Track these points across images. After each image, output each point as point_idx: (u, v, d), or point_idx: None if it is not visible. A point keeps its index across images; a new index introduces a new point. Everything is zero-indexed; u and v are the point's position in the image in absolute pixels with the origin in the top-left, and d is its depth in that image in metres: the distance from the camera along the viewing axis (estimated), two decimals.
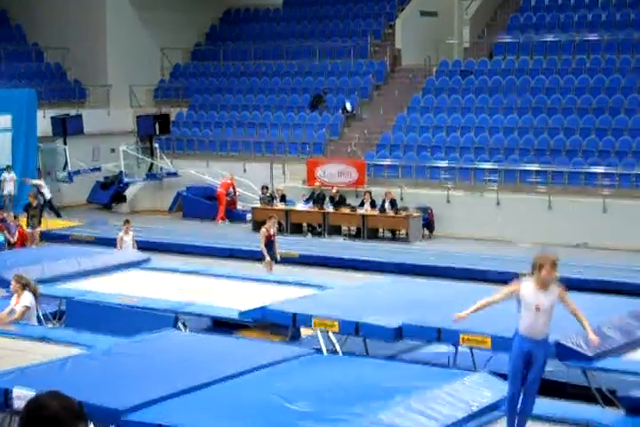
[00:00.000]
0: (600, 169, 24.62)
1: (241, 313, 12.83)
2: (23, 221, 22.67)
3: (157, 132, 31.47)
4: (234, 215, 28.34)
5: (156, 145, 31.49)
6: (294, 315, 12.35)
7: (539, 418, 8.88)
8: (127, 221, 20.15)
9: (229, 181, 28.46)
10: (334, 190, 26.19)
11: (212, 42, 36.39)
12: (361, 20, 34.41)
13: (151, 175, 30.91)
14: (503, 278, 19.41)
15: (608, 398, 10.84)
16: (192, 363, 10.12)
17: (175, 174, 30.59)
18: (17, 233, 21.45)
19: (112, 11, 33.51)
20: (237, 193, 28.78)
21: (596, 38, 28.88)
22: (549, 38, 29.62)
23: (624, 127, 25.63)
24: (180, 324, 13.25)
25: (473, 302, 12.65)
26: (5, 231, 21.44)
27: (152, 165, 31.19)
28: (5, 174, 27.86)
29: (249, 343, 11.73)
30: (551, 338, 10.72)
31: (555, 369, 11.73)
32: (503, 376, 10.18)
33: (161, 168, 31.14)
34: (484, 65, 30.09)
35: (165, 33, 34.41)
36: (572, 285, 18.54)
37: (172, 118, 33.08)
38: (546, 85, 28.08)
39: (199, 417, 8.54)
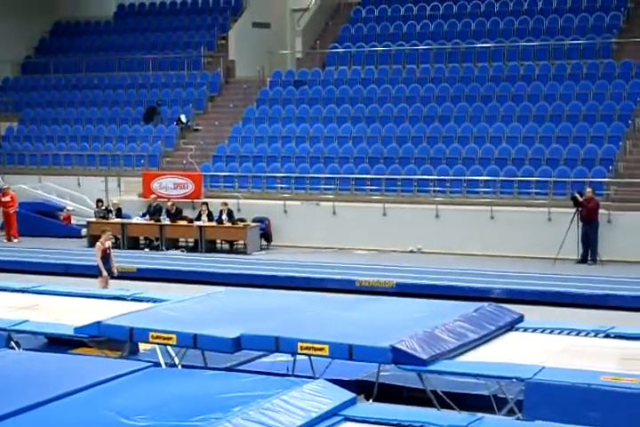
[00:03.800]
0: (432, 176, 25.16)
1: (76, 329, 12.59)
2: None
3: None
4: (68, 231, 27.82)
5: None
6: (131, 329, 12.18)
7: (376, 423, 8.97)
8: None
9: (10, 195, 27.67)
10: (170, 203, 26.00)
11: (43, 54, 35.75)
12: (194, 31, 34.36)
13: None
14: (340, 286, 19.83)
15: (444, 401, 11.07)
16: (25, 382, 9.86)
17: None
18: None
19: None
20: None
21: (425, 48, 29.53)
22: (380, 48, 30.15)
23: (454, 135, 26.27)
24: (12, 343, 12.92)
25: (312, 310, 12.79)
26: None
27: None
28: None
29: (84, 360, 11.49)
30: (386, 343, 10.94)
31: (391, 374, 11.94)
32: (340, 383, 10.30)
33: None
34: (317, 75, 30.43)
35: None
36: (407, 290, 19.02)
37: (2, 133, 32.34)
38: (378, 95, 28.56)
39: None
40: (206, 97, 31.63)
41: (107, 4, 36.62)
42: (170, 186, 27.35)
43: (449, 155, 25.72)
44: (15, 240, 27.20)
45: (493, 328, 12.25)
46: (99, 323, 12.43)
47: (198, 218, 25.41)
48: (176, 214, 25.74)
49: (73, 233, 27.61)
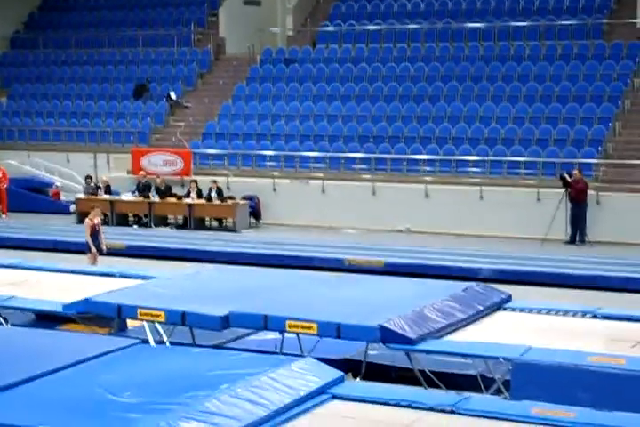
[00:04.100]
0: (422, 156, 25.15)
1: (64, 306, 12.58)
2: None
3: None
4: (57, 207, 27.76)
5: None
6: (119, 306, 12.18)
7: (364, 401, 9.00)
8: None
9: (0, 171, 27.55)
10: (160, 180, 25.95)
11: (32, 30, 35.54)
12: (184, 7, 34.21)
13: None
14: (329, 265, 19.84)
15: (431, 380, 11.11)
16: (13, 358, 9.87)
17: None
18: None
19: None
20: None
21: (415, 27, 29.46)
22: (371, 27, 30.06)
23: (444, 114, 26.25)
24: (0, 318, 12.92)
25: (301, 289, 12.80)
26: None
27: None
28: None
29: (73, 336, 11.51)
30: (375, 322, 10.97)
31: (379, 353, 11.97)
32: (328, 361, 10.33)
33: None
34: (308, 53, 30.34)
35: None
36: (395, 269, 19.04)
37: None
38: (368, 73, 28.50)
39: (21, 413, 8.33)
40: (196, 74, 31.53)
41: None
42: (159, 163, 27.29)
43: (439, 134, 25.71)
44: (4, 216, 27.13)
45: (481, 308, 12.28)
46: (87, 299, 12.44)
47: (187, 195, 25.38)
48: (165, 191, 25.70)
49: (62, 209, 27.56)
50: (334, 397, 9.13)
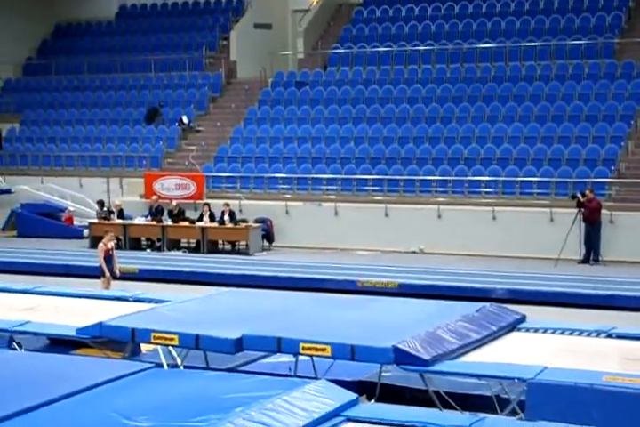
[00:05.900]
0: (434, 177, 25.14)
1: (78, 330, 12.58)
2: None
3: None
4: (70, 232, 27.81)
5: None
6: (133, 330, 12.16)
7: (378, 423, 8.96)
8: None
9: None
10: (173, 204, 25.99)
11: (44, 56, 35.76)
12: (195, 32, 34.37)
13: None
14: (342, 287, 19.82)
15: (446, 401, 11.06)
16: (27, 383, 9.86)
17: (8, 191, 29.83)
18: None
19: None
20: None
21: (426, 49, 29.53)
22: (382, 49, 30.14)
23: (456, 135, 26.26)
24: (14, 344, 12.92)
25: (314, 311, 12.78)
26: None
27: None
28: None
29: (87, 361, 11.48)
30: (389, 343, 10.93)
31: (393, 374, 11.93)
32: (342, 383, 10.29)
33: None
34: (319, 76, 30.42)
35: None
36: (409, 290, 19.01)
37: (4, 134, 32.35)
38: (380, 95, 28.55)
39: None
40: (208, 98, 31.64)
41: (108, 5, 36.62)
42: (172, 187, 27.35)
43: (451, 155, 25.71)
44: None
45: (495, 329, 12.22)
46: (101, 324, 12.42)
47: (200, 219, 25.40)
48: (178, 215, 25.74)
49: (75, 234, 27.61)
50: (349, 419, 9.09)
